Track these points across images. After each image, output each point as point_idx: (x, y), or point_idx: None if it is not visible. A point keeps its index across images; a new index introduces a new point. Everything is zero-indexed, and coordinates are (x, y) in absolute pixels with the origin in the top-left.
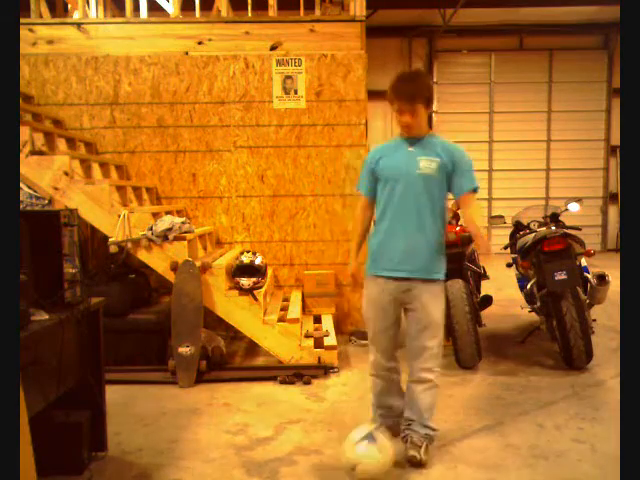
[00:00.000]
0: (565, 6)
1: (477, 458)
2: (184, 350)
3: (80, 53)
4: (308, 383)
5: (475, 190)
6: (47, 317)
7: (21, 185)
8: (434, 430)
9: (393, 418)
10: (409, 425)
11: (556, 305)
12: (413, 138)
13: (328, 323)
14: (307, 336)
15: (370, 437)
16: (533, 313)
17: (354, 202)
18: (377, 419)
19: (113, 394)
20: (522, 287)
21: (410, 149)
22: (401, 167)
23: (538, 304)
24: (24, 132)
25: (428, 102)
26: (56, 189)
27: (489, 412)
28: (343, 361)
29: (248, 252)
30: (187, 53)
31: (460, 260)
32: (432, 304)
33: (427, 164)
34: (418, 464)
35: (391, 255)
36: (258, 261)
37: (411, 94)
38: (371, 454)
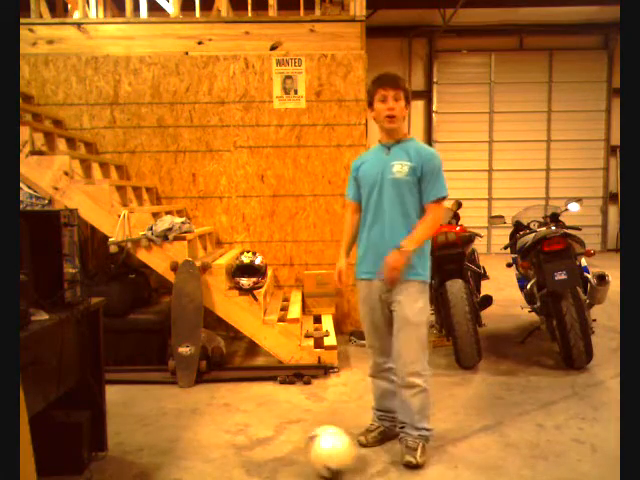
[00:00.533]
0: (565, 6)
1: (477, 458)
2: (184, 350)
3: (80, 53)
4: (308, 383)
5: (443, 198)
6: (47, 317)
7: (21, 185)
8: (428, 430)
9: (392, 421)
10: (402, 428)
11: (556, 305)
12: (391, 143)
13: (328, 323)
14: (307, 336)
15: (319, 435)
16: (533, 313)
17: None
18: (376, 420)
19: (113, 394)
20: (522, 287)
21: (386, 154)
22: (377, 173)
23: (538, 304)
24: (24, 132)
25: (408, 98)
26: (56, 189)
27: (489, 412)
28: (343, 361)
29: (248, 252)
30: (187, 53)
31: (460, 260)
32: (407, 304)
33: (399, 168)
34: (415, 467)
35: (372, 259)
36: (258, 261)
37: (394, 81)
38: (335, 444)
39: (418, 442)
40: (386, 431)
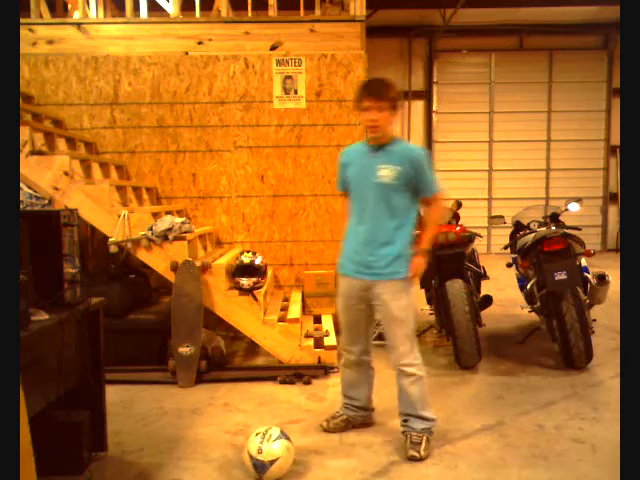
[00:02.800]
0: (565, 6)
1: (477, 458)
2: (184, 350)
3: (80, 53)
4: (308, 383)
5: (438, 192)
6: (47, 317)
7: (21, 185)
8: (431, 420)
9: (355, 410)
10: (406, 421)
11: (556, 305)
12: (378, 145)
13: (328, 323)
14: (307, 336)
15: (283, 435)
16: (533, 313)
17: None
18: (342, 409)
19: (113, 394)
20: (522, 287)
21: (373, 157)
22: (362, 175)
23: (538, 304)
24: (24, 132)
25: (394, 106)
26: (56, 189)
27: (489, 412)
28: None
29: (248, 252)
30: (187, 53)
31: (460, 260)
32: (392, 303)
33: (386, 172)
34: (419, 460)
35: (356, 259)
36: (258, 261)
37: (379, 91)
38: (286, 449)
39: (422, 436)
40: (349, 419)
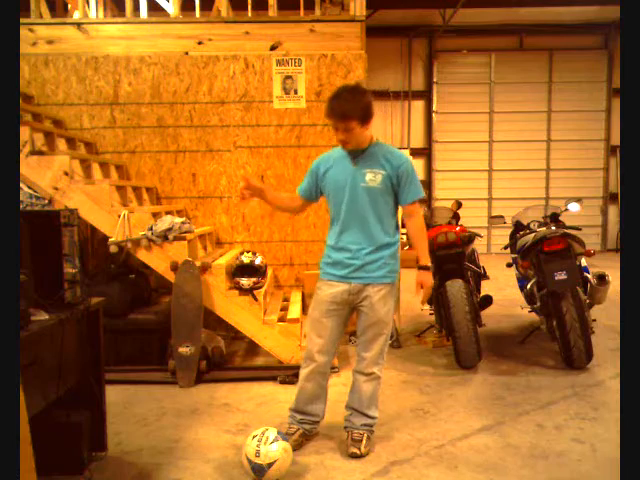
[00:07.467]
0: (565, 6)
1: (477, 458)
2: (184, 350)
3: (80, 53)
4: None
5: (420, 200)
6: (47, 317)
7: (21, 185)
8: (373, 418)
9: (312, 424)
10: (350, 415)
11: (556, 305)
12: (356, 151)
13: None
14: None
15: (281, 435)
16: (533, 313)
17: None
18: (294, 424)
19: (113, 394)
20: (522, 287)
21: (354, 162)
22: (346, 181)
23: (538, 304)
24: (24, 132)
25: (364, 119)
26: (56, 189)
27: (489, 412)
28: (343, 361)
29: (248, 252)
30: (187, 53)
31: (460, 260)
32: (379, 306)
33: (372, 177)
34: (360, 457)
35: (345, 264)
36: (258, 261)
37: (343, 112)
38: (283, 451)
39: (362, 433)
40: (306, 433)
